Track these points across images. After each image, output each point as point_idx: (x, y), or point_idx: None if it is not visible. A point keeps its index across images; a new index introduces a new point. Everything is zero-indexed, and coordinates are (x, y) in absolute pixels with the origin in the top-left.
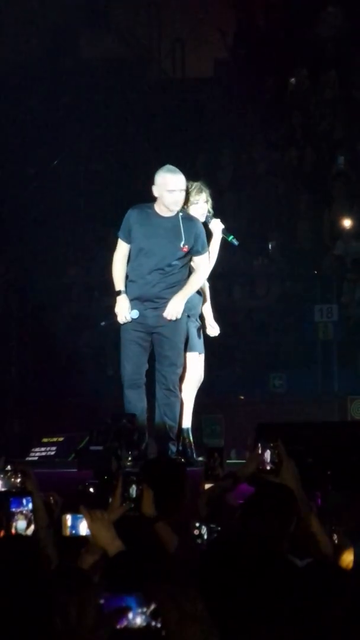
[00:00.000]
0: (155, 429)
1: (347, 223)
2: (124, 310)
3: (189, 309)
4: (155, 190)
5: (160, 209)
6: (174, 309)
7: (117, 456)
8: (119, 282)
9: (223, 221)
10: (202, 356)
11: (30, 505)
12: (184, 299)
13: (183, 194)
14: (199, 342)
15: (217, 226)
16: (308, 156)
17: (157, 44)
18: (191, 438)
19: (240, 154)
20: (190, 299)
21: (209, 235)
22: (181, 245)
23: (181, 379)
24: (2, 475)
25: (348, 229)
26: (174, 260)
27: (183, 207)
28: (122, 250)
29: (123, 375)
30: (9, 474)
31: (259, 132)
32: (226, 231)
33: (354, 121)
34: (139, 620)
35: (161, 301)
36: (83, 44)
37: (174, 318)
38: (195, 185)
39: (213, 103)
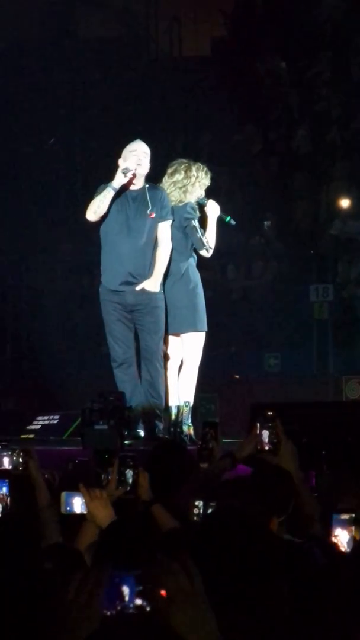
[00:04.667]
0: (140, 406)
1: (344, 203)
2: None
3: (195, 285)
4: (121, 162)
5: (128, 182)
6: (150, 284)
7: (121, 435)
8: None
9: (218, 201)
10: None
11: (4, 489)
12: (158, 276)
13: (147, 157)
14: (204, 319)
15: (213, 207)
16: (304, 135)
17: (154, 22)
18: (182, 415)
19: (237, 132)
20: (192, 277)
21: (204, 217)
22: (148, 212)
23: (184, 357)
24: (9, 453)
25: (345, 208)
26: (143, 230)
27: (185, 187)
28: None
29: (113, 356)
30: (15, 452)
31: (256, 111)
32: (223, 213)
33: (351, 100)
34: (136, 603)
35: (137, 278)
36: (80, 23)
37: (151, 290)
38: (203, 166)
39: (210, 82)
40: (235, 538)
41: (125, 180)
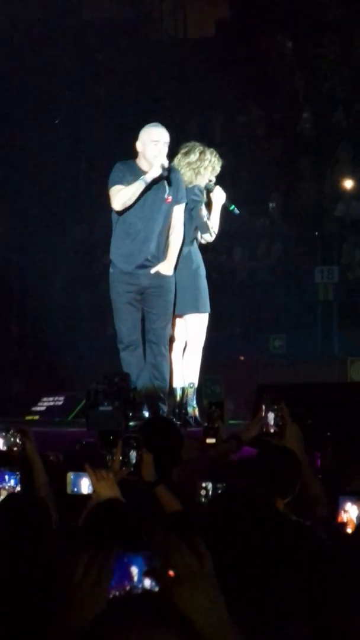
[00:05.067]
0: (144, 389)
1: (348, 184)
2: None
3: (197, 267)
4: (139, 145)
5: (142, 163)
6: (164, 268)
7: (126, 416)
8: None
9: (223, 183)
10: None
11: (12, 482)
12: (172, 259)
13: (167, 147)
14: (207, 301)
15: (219, 194)
16: (309, 117)
17: (158, 4)
18: (186, 397)
19: (242, 114)
20: (194, 258)
21: (209, 202)
22: (165, 197)
23: (187, 339)
24: (3, 434)
25: (349, 190)
26: (160, 213)
27: (198, 169)
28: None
29: (120, 337)
30: (10, 433)
31: (260, 93)
32: (228, 200)
33: (356, 81)
34: (145, 584)
35: (153, 261)
36: (84, 4)
37: (165, 273)
38: (216, 152)
39: (214, 64)
40: (242, 519)
41: (157, 175)
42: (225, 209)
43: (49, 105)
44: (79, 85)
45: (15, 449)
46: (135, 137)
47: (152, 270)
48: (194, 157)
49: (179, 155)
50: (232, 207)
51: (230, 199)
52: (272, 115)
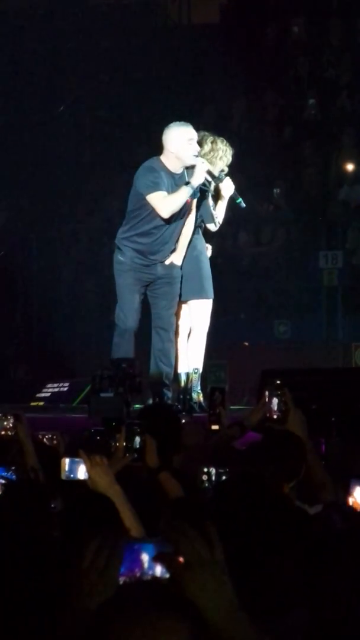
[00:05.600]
0: (150, 374)
1: (351, 168)
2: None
3: (199, 253)
4: (172, 145)
5: (171, 163)
6: (177, 257)
7: (127, 403)
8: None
9: (229, 168)
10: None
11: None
12: (183, 249)
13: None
14: (210, 287)
15: (228, 185)
16: (314, 103)
17: None
18: (191, 382)
19: (246, 100)
20: (197, 245)
21: (217, 193)
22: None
23: (192, 325)
24: None
25: (354, 175)
26: (183, 212)
27: (211, 159)
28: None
29: (125, 324)
30: (0, 417)
31: (264, 79)
32: (235, 193)
33: None
34: (155, 571)
35: (169, 254)
36: None
37: (177, 263)
38: (227, 142)
39: (218, 49)
40: (248, 505)
41: (202, 181)
42: (232, 201)
43: (52, 91)
44: (83, 71)
45: (3, 432)
46: (142, 126)
47: (167, 261)
48: (207, 147)
49: None
50: (239, 200)
51: (235, 184)
52: (277, 102)
